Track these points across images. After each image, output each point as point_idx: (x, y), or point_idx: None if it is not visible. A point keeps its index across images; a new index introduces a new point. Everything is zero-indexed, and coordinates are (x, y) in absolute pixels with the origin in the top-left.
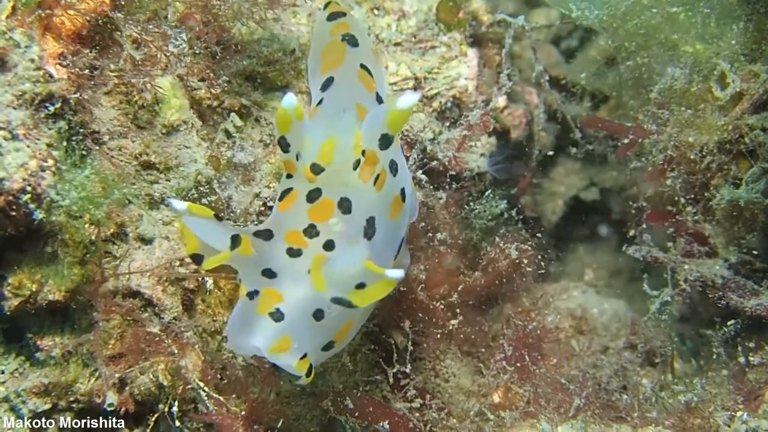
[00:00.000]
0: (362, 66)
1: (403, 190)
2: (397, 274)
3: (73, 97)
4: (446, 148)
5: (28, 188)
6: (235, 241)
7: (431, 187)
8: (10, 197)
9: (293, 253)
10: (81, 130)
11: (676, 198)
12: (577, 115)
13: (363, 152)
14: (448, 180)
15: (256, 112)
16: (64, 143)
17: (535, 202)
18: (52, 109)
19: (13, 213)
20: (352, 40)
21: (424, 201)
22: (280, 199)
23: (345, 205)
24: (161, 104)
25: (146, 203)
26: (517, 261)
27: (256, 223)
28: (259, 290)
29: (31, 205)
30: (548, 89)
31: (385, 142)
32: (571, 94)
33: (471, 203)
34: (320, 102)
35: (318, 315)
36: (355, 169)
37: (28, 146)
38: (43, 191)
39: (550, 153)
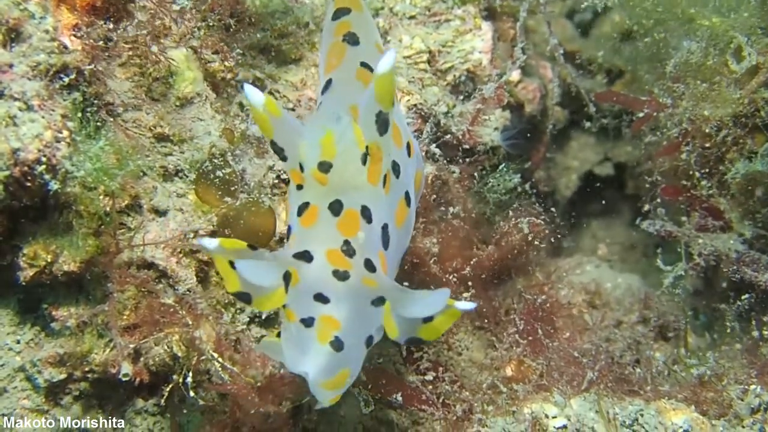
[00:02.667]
0: (362, 64)
1: (407, 193)
2: (468, 306)
3: (88, 69)
4: (460, 122)
5: (43, 159)
6: (288, 278)
7: (445, 160)
8: (26, 168)
9: (340, 275)
10: (95, 102)
11: (691, 172)
12: (592, 89)
13: (366, 148)
14: (462, 154)
15: (269, 84)
16: (79, 114)
17: (549, 176)
18: (66, 80)
19: (29, 184)
20: (352, 39)
21: (437, 174)
22: (299, 214)
23: (367, 214)
24: (175, 77)
25: (160, 175)
26: (529, 235)
27: (270, 196)
28: (315, 317)
29: (46, 176)
30: (563, 63)
31: (382, 122)
32: (586, 68)
33: (484, 177)
34: (319, 106)
35: (369, 342)
36: (364, 164)
37: (43, 117)
38: (58, 162)
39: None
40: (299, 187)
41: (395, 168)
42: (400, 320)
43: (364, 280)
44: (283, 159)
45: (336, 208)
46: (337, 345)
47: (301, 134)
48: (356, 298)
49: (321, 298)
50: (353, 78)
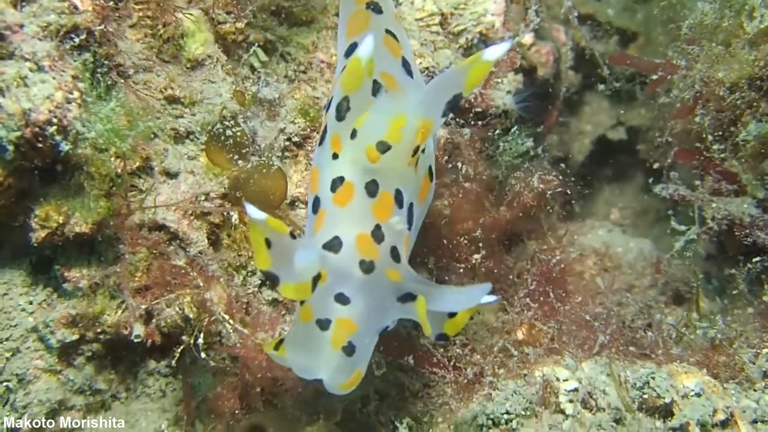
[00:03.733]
0: (387, 31)
1: (430, 167)
2: (491, 298)
3: (98, 29)
4: None
5: (54, 120)
6: (316, 280)
7: (456, 123)
8: (37, 129)
9: (366, 267)
10: (106, 63)
11: (705, 135)
12: (605, 52)
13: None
14: (474, 117)
15: (281, 47)
16: (89, 75)
17: (562, 141)
18: (77, 40)
19: (40, 145)
20: (376, 8)
21: (449, 137)
22: (333, 189)
23: (399, 199)
24: (186, 38)
25: (171, 137)
26: (541, 192)
27: (281, 158)
28: (332, 320)
29: (57, 137)
30: (577, 26)
31: (453, 104)
32: (600, 32)
33: (496, 140)
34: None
35: (383, 332)
36: (414, 155)
37: (54, 78)
38: (69, 123)
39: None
40: (335, 156)
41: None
42: (431, 316)
43: (388, 271)
44: (340, 119)
45: (372, 189)
46: (350, 350)
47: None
48: (377, 293)
49: (341, 298)
50: (381, 43)
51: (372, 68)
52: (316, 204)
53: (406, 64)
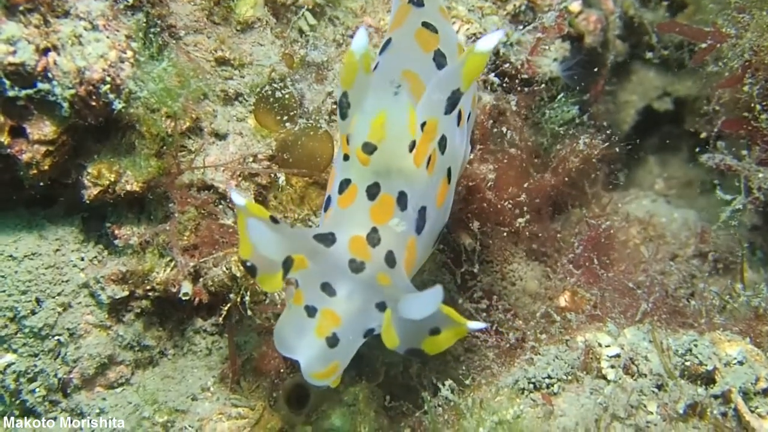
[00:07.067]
0: (424, 24)
1: (449, 170)
2: (479, 325)
3: None
4: (519, 51)
5: (108, 78)
6: (287, 264)
7: (503, 89)
8: (90, 87)
9: (356, 267)
10: (158, 23)
11: (753, 104)
12: (654, 20)
13: (423, 125)
14: (520, 83)
15: (329, 11)
16: (142, 36)
17: (607, 110)
18: (130, 1)
19: (93, 103)
20: (418, 2)
21: (495, 104)
22: (340, 191)
23: (403, 201)
24: (236, 1)
25: (221, 99)
26: (587, 157)
27: (328, 121)
28: (318, 309)
29: (111, 96)
30: None
31: (453, 101)
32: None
33: (542, 108)
34: (376, 66)
35: (367, 334)
36: (410, 151)
37: (108, 37)
38: (122, 82)
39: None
40: (346, 157)
41: (441, 143)
42: (406, 328)
43: (378, 275)
44: (343, 117)
45: (373, 191)
46: (333, 341)
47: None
48: (365, 294)
49: (328, 288)
50: (411, 38)
51: (368, 63)
52: (327, 204)
53: (439, 56)
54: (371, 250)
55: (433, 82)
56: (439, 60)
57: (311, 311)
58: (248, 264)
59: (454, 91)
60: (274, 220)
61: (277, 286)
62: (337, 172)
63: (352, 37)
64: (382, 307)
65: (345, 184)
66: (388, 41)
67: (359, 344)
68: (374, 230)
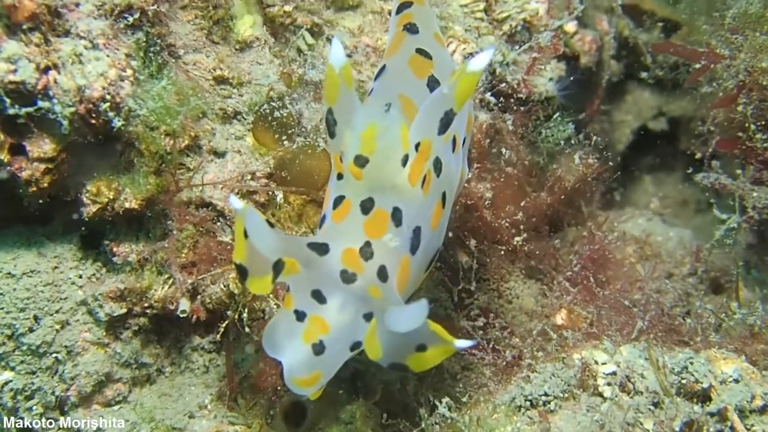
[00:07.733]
0: (418, 50)
1: (444, 194)
2: (466, 344)
3: (151, 9)
4: (515, 71)
5: (108, 97)
6: (278, 267)
7: (499, 108)
8: (90, 105)
9: (347, 277)
10: (158, 42)
11: (747, 124)
12: (649, 41)
13: (417, 145)
14: (516, 102)
15: (327, 30)
16: (142, 54)
17: (603, 130)
18: (131, 19)
19: (93, 121)
20: (412, 29)
21: (492, 123)
22: (334, 207)
23: (397, 217)
24: (235, 20)
25: (219, 117)
26: (582, 176)
27: (325, 139)
28: (307, 314)
29: (110, 114)
30: (620, 14)
31: (446, 122)
32: (644, 21)
33: (538, 127)
34: (370, 92)
35: (355, 347)
36: (404, 165)
37: (108, 56)
38: (122, 100)
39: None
40: (339, 176)
41: (437, 165)
42: (392, 342)
43: (370, 288)
44: (331, 135)
45: (367, 206)
46: (319, 349)
47: (354, 110)
48: (355, 305)
49: (318, 296)
50: (405, 64)
51: (348, 76)
52: (322, 221)
53: (433, 82)
54: (364, 263)
55: (425, 103)
56: (433, 86)
57: (300, 316)
58: (240, 265)
59: (447, 111)
60: (270, 224)
61: (266, 289)
62: (331, 191)
63: (350, 56)
64: (369, 317)
65: (339, 200)
66: (383, 68)
67: (346, 357)
68: (367, 244)
